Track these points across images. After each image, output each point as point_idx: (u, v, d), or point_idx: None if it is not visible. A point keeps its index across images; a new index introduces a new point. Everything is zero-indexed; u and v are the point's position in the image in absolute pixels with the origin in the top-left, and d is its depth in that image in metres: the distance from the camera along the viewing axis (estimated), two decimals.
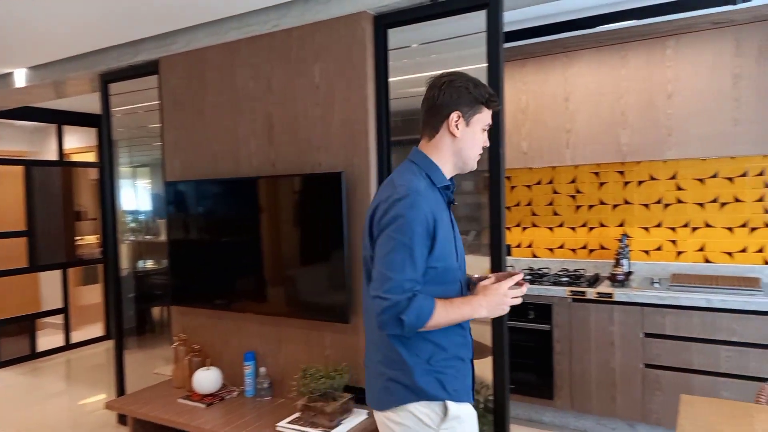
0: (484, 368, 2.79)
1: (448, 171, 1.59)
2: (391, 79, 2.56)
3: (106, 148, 3.62)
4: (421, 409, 1.48)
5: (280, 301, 2.74)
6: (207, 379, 2.79)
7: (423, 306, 1.41)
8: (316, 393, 2.46)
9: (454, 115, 1.53)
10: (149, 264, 3.57)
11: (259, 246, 2.76)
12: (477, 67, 2.41)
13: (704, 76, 2.99)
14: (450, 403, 1.49)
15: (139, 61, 3.29)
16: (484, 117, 1.57)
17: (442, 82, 1.54)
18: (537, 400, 3.28)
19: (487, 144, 1.60)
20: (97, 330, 5.71)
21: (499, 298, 1.50)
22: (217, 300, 2.95)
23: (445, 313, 1.44)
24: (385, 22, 2.52)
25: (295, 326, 2.80)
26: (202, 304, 3.03)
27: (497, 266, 2.46)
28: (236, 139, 2.95)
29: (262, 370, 2.84)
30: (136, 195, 3.62)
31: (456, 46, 2.50)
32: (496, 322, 2.47)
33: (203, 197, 2.97)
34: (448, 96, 1.52)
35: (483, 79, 2.40)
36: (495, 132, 2.36)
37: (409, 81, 2.65)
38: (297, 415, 2.52)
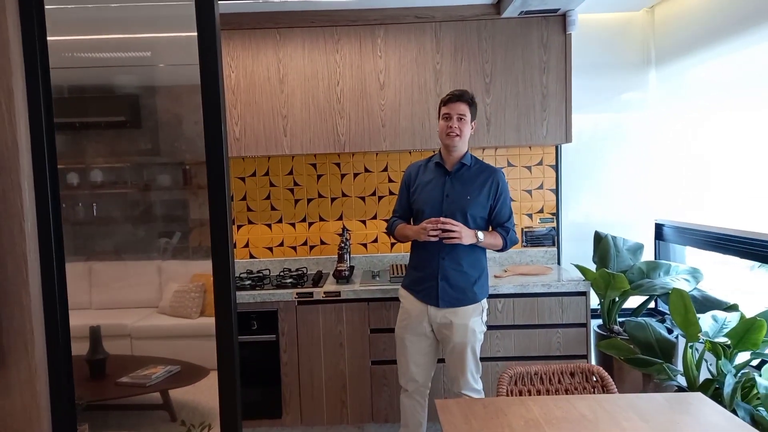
0: (200, 394, 2.29)
1: (442, 150, 2.51)
2: (59, 38, 1.77)
3: None
4: None
5: None
6: None
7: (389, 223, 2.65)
8: None
9: None
10: None
11: None
12: (184, 35, 1.83)
13: (410, 69, 3.04)
14: None
15: None
16: (442, 110, 2.46)
17: None
18: (264, 422, 2.88)
19: (449, 126, 2.40)
20: None
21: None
22: None
23: (400, 229, 2.56)
24: None
25: None
26: None
27: (223, 271, 1.93)
28: None
29: None
30: None
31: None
32: (222, 335, 1.95)
33: None
34: None
35: (191, 47, 1.86)
36: (210, 111, 1.83)
37: (85, 43, 1.92)
38: None
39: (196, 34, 1.80)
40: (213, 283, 1.89)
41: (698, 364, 2.32)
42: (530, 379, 1.88)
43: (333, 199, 3.39)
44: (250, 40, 3.02)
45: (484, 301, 2.48)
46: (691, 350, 2.32)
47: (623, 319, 3.06)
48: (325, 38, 3.02)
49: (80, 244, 2.18)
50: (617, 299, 2.90)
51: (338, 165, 3.38)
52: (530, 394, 1.85)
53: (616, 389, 1.80)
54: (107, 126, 2.51)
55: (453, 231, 2.30)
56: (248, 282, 2.96)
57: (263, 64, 3.03)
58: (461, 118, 2.39)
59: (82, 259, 2.26)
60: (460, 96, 2.41)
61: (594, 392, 1.84)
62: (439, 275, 2.40)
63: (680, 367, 2.45)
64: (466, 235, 2.32)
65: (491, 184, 2.44)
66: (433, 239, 2.32)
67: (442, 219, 2.32)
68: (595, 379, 1.85)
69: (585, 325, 2.83)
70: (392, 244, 3.40)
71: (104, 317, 2.43)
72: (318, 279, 3.06)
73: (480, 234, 2.37)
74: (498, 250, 2.49)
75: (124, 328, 2.72)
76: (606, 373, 1.83)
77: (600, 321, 3.06)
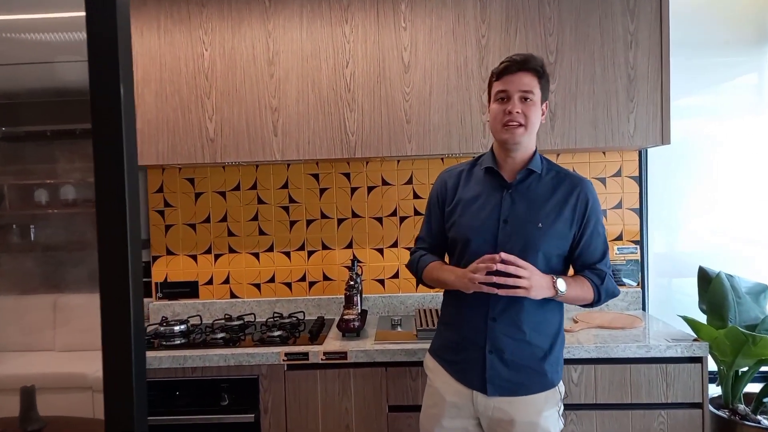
0: None
1: (496, 150, 1.65)
2: None
3: None
4: None
5: None
6: None
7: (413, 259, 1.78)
8: None
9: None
10: None
11: None
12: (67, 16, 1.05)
13: (445, 45, 2.24)
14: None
15: None
16: (495, 87, 1.58)
17: None
18: None
19: (509, 111, 1.53)
20: None
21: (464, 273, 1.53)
22: None
23: (431, 271, 1.68)
24: None
25: None
26: None
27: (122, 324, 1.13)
28: None
29: None
30: None
31: None
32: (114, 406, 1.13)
33: None
34: None
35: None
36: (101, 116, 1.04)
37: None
38: None
39: None
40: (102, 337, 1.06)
41: None
42: None
43: (340, 221, 2.58)
44: (229, 7, 2.25)
45: (561, 385, 1.62)
46: None
47: (747, 390, 2.18)
48: (330, 4, 2.24)
49: (49, 273, 1.60)
50: (747, 369, 2.02)
51: (347, 176, 2.57)
52: None
53: None
54: (83, 134, 1.85)
55: (519, 278, 1.46)
56: (221, 336, 2.14)
57: (247, 40, 2.25)
58: (526, 98, 1.53)
59: (52, 291, 1.68)
60: (522, 63, 1.53)
61: None
62: (488, 345, 1.56)
63: None
64: (538, 285, 1.47)
65: (576, 202, 1.58)
66: (487, 290, 1.48)
67: (502, 255, 1.47)
68: None
69: (700, 406, 1.95)
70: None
71: (66, 362, 1.84)
72: (318, 329, 2.24)
73: (561, 282, 1.51)
74: (585, 306, 1.63)
75: (84, 379, 1.99)
76: None
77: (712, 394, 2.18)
